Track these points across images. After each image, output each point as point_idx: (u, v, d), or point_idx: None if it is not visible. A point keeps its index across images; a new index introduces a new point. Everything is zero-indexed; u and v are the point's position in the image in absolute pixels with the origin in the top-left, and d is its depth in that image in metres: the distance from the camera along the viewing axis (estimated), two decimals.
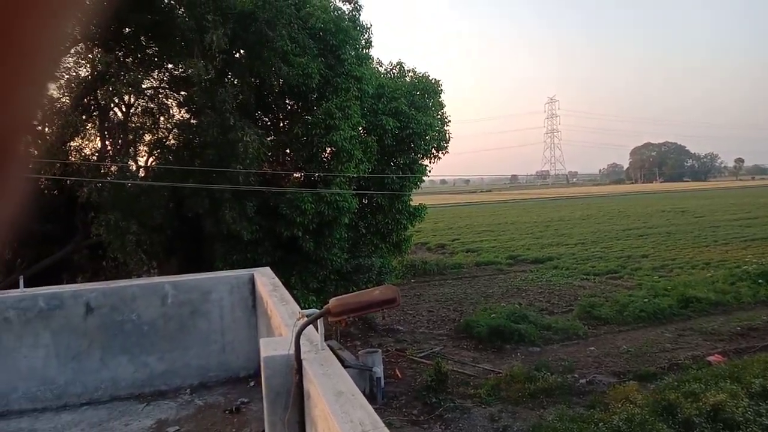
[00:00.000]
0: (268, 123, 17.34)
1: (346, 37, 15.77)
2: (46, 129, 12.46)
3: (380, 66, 20.73)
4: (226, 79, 14.41)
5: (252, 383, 5.11)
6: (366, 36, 17.45)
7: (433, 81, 20.07)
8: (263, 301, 4.73)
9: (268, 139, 15.42)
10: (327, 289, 17.01)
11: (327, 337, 3.32)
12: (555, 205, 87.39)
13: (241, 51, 14.85)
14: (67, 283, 13.83)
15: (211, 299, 5.25)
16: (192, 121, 15.03)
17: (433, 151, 20.06)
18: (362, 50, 17.24)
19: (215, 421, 4.34)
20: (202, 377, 5.15)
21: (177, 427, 4.25)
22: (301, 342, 2.63)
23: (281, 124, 17.50)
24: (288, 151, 16.99)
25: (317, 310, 2.78)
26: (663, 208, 70.39)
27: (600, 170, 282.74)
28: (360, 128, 16.80)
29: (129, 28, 13.33)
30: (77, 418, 4.54)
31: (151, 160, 16.11)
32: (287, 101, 16.73)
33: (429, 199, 27.01)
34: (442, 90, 20.29)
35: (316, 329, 2.97)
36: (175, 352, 5.10)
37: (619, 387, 14.69)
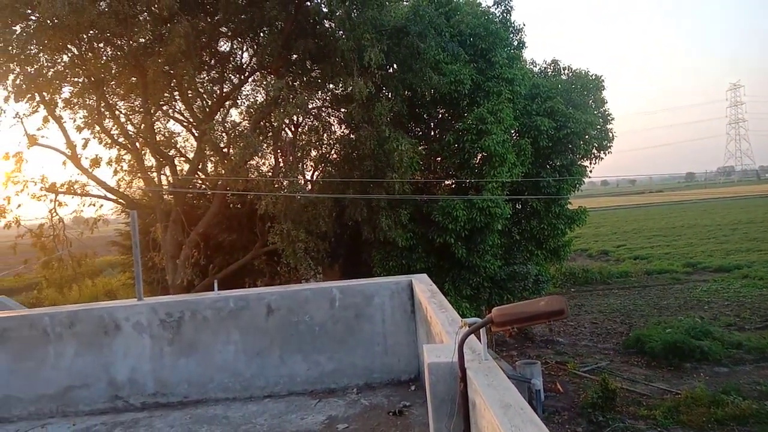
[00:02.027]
0: (420, 132, 17.75)
1: (497, 39, 15.54)
2: (231, 150, 14.24)
3: (534, 66, 20.05)
4: (381, 94, 15.09)
5: (413, 387, 5.25)
6: (518, 37, 17.02)
7: (593, 77, 18.85)
8: (422, 307, 4.84)
9: (420, 148, 15.79)
10: (480, 297, 16.82)
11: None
12: (742, 204, 75.76)
13: (394, 65, 15.45)
14: (249, 285, 15.59)
15: (373, 303, 5.51)
16: (351, 135, 16.00)
17: (594, 151, 18.82)
18: (514, 51, 16.83)
19: (380, 421, 4.54)
20: (367, 378, 5.42)
21: (346, 425, 4.53)
22: (464, 351, 2.64)
23: (432, 133, 17.79)
24: (439, 158, 17.20)
25: (478, 319, 2.77)
26: None
27: None
28: (513, 131, 16.40)
29: (296, 54, 14.67)
30: (261, 409, 5.08)
31: (316, 173, 17.51)
32: (438, 109, 16.97)
33: (589, 203, 25.25)
34: (603, 86, 18.96)
35: (478, 338, 2.96)
36: (343, 352, 5.45)
37: None
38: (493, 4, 16.80)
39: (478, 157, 15.73)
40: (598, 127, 18.82)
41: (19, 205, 13.58)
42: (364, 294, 5.53)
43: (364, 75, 12.92)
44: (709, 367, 17.46)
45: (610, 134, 19.08)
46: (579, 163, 18.56)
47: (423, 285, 5.33)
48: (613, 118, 19.23)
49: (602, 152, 19.11)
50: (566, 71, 19.86)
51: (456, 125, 15.47)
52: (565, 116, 17.05)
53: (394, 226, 14.32)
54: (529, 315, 2.52)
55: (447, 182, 17.36)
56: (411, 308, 5.51)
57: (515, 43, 17.21)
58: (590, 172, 19.03)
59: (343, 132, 17.26)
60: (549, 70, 20.30)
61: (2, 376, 5.20)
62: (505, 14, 16.73)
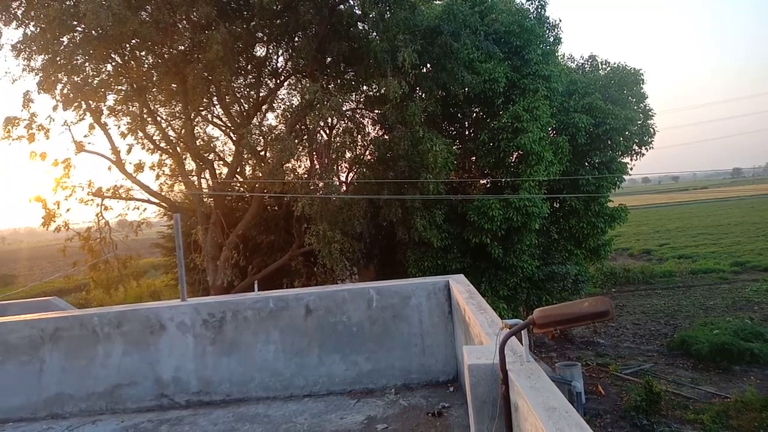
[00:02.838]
0: (454, 132, 17.63)
1: (531, 36, 15.31)
2: (268, 153, 14.48)
3: (571, 62, 19.66)
4: (415, 94, 15.06)
5: (451, 388, 5.22)
6: (554, 33, 16.72)
7: (631, 70, 18.34)
8: (460, 308, 4.81)
9: (455, 147, 15.68)
10: (518, 297, 16.58)
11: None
12: None
13: (428, 65, 15.40)
14: (287, 286, 15.81)
15: (410, 304, 5.50)
16: (385, 136, 16.03)
17: (635, 147, 18.33)
18: (549, 48, 16.54)
19: (419, 422, 4.53)
20: (405, 379, 5.42)
21: (385, 425, 4.54)
22: (505, 352, 2.61)
23: (467, 132, 17.65)
24: (474, 158, 17.05)
25: (519, 321, 2.73)
26: None
27: None
28: (550, 129, 16.11)
29: (330, 57, 14.81)
30: (301, 408, 5.14)
31: (351, 175, 17.62)
32: (473, 108, 16.82)
33: (630, 200, 24.54)
34: (643, 80, 18.43)
35: (519, 340, 2.92)
36: (380, 353, 5.46)
37: None
38: (527, 1, 16.57)
39: (514, 156, 15.52)
40: (639, 122, 18.30)
41: (68, 210, 14.16)
42: (400, 295, 5.53)
43: (397, 76, 12.93)
44: (760, 370, 16.74)
45: (651, 129, 18.53)
46: (619, 160, 18.09)
47: (460, 286, 5.30)
48: (654, 113, 18.67)
49: (643, 148, 18.58)
50: (604, 66, 19.38)
51: (491, 124, 15.31)
52: (603, 112, 16.65)
53: (428, 226, 14.27)
54: (572, 316, 2.47)
55: (482, 181, 17.19)
56: (448, 309, 5.48)
57: (551, 39, 16.91)
58: (631, 169, 18.52)
59: (377, 133, 17.32)
60: (586, 65, 19.88)
61: (55, 373, 5.44)
62: (539, 10, 16.47)
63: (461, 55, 14.06)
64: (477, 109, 16.90)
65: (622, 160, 18.26)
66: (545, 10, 16.54)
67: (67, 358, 5.45)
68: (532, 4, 16.46)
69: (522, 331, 2.68)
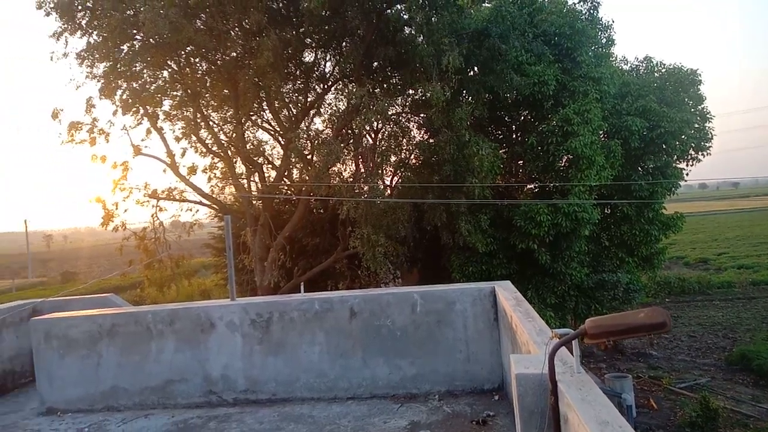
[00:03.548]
0: (501, 135, 17.36)
1: (583, 38, 14.92)
2: (314, 157, 14.69)
3: (624, 63, 19.04)
4: (461, 98, 14.94)
5: (496, 397, 5.13)
6: (607, 34, 16.25)
7: (688, 72, 17.59)
8: (506, 315, 4.72)
9: (501, 151, 15.44)
10: (566, 306, 16.14)
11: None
12: None
13: (475, 68, 15.25)
14: (331, 288, 15.98)
15: (455, 310, 5.45)
16: (430, 140, 15.96)
17: (691, 151, 17.55)
18: (602, 49, 16.08)
19: (463, 430, 4.47)
20: (449, 385, 5.37)
21: (429, 431, 4.51)
22: (554, 362, 2.54)
23: (514, 136, 17.36)
24: (521, 162, 16.74)
25: (570, 330, 2.65)
26: None
27: None
28: (601, 132, 15.64)
29: (377, 62, 14.90)
30: (345, 410, 5.17)
31: (395, 178, 17.65)
32: (521, 111, 16.54)
33: (686, 207, 23.47)
34: (700, 81, 17.63)
35: (569, 350, 2.84)
36: (424, 358, 5.43)
37: None
38: (579, 2, 16.16)
39: (564, 160, 15.14)
40: (696, 125, 17.52)
41: (125, 210, 14.78)
42: (445, 300, 5.48)
43: (442, 79, 12.87)
44: None
45: (709, 133, 17.70)
46: (674, 164, 17.35)
47: (507, 292, 5.20)
48: (712, 116, 17.82)
49: (700, 153, 17.76)
50: (660, 67, 18.66)
51: (540, 127, 15.00)
52: (658, 115, 16.03)
53: (473, 231, 14.10)
54: (626, 327, 2.38)
55: (529, 186, 16.85)
56: (494, 316, 5.39)
57: (603, 40, 16.44)
58: (687, 174, 17.73)
59: (422, 137, 17.28)
60: (641, 67, 19.19)
61: (112, 368, 5.68)
62: (591, 11, 16.03)
63: (509, 57, 13.85)
64: (525, 112, 16.59)
65: (678, 165, 17.51)
66: (598, 11, 16.10)
67: (123, 353, 5.68)
68: (584, 5, 16.05)
69: (572, 341, 2.60)
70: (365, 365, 5.48)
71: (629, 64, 19.48)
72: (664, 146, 16.83)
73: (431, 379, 5.40)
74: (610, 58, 16.93)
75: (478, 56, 14.17)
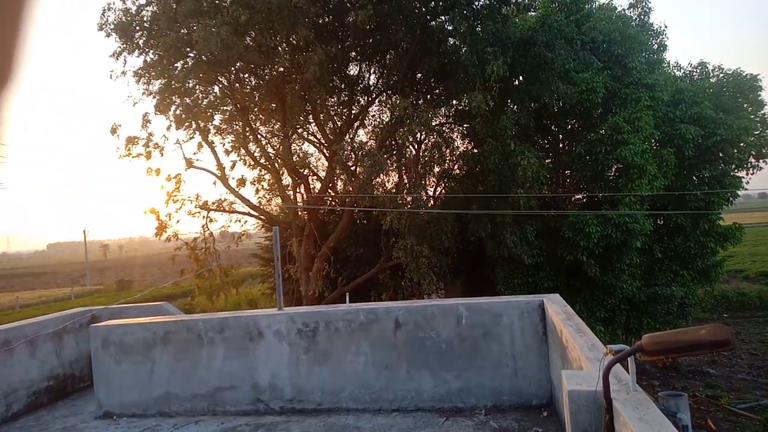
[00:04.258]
0: (547, 145, 17.05)
1: (634, 44, 14.53)
2: (359, 169, 14.84)
3: (677, 69, 18.40)
4: (506, 107, 14.79)
5: (545, 413, 4.99)
6: (659, 40, 15.77)
7: (747, 77, 16.82)
8: (556, 330, 4.60)
9: (548, 161, 15.15)
10: (617, 320, 15.58)
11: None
12: None
13: (520, 77, 15.08)
14: (374, 298, 16.01)
15: (502, 323, 5.35)
16: (474, 150, 15.84)
17: (751, 159, 16.71)
18: (653, 55, 15.60)
19: None
20: (496, 400, 5.26)
21: None
22: (609, 379, 2.46)
23: (561, 145, 17.01)
24: (568, 171, 16.36)
25: (625, 346, 2.56)
26: None
27: None
28: (653, 140, 15.13)
29: (420, 73, 14.96)
30: (389, 422, 5.15)
31: (438, 189, 17.59)
32: (568, 120, 16.21)
33: (746, 218, 22.27)
34: (760, 86, 16.83)
35: (624, 367, 2.74)
36: (470, 371, 5.35)
37: None
38: (629, 7, 15.77)
39: (613, 169, 14.72)
40: (756, 132, 16.67)
41: (178, 221, 15.32)
42: (491, 312, 5.40)
43: (485, 89, 12.79)
44: None
45: None
46: (732, 173, 16.55)
47: (556, 306, 5.08)
48: None
49: (761, 161, 16.88)
50: (716, 72, 17.92)
51: (588, 136, 14.65)
52: (714, 122, 15.36)
53: (519, 242, 13.85)
54: (687, 345, 2.28)
55: (577, 196, 16.43)
56: (543, 330, 5.27)
57: (654, 46, 15.96)
58: (746, 183, 16.87)
59: (466, 147, 17.18)
60: (695, 73, 18.49)
61: (164, 374, 5.87)
62: (642, 17, 15.61)
63: (556, 65, 13.64)
64: (572, 121, 16.25)
65: (736, 174, 16.69)
66: (649, 17, 15.67)
67: (175, 360, 5.86)
68: (634, 11, 15.64)
69: (629, 358, 2.51)
70: (410, 377, 5.45)
71: (682, 70, 18.82)
72: (720, 154, 16.10)
73: (477, 393, 5.32)
74: (662, 64, 16.39)
75: (523, 65, 14.01)
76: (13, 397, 6.07)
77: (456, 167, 17.17)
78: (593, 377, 2.64)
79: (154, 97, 14.42)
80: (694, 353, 2.39)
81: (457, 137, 17.57)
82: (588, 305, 14.79)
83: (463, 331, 5.41)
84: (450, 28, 14.21)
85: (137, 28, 13.87)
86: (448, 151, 17.12)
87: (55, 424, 5.82)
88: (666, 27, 16.05)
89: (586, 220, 13.66)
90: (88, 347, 6.35)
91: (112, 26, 13.99)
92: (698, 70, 18.45)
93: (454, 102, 16.08)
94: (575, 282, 15.05)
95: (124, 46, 14.14)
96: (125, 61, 14.29)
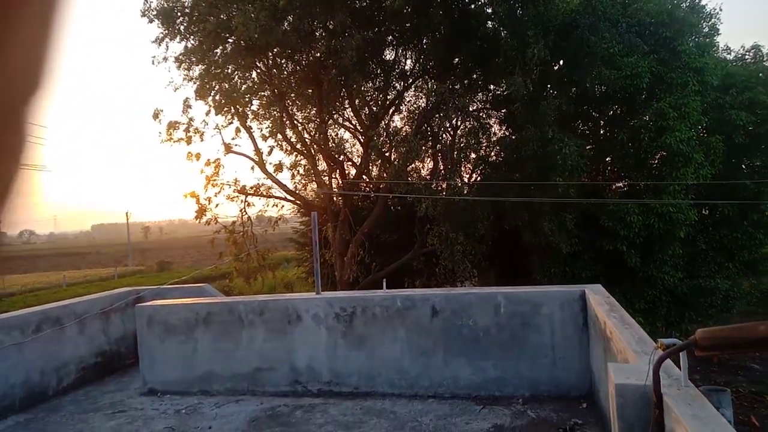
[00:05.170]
0: (587, 131, 16.59)
1: (684, 26, 13.91)
2: (393, 155, 14.79)
3: (728, 53, 17.58)
4: (546, 93, 14.44)
5: (584, 405, 4.92)
6: (710, 23, 15.07)
7: None
8: (599, 321, 4.51)
9: (587, 148, 14.75)
10: (657, 312, 15.17)
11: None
12: None
13: (560, 62, 14.68)
14: (408, 285, 16.03)
15: (541, 313, 5.28)
16: (512, 136, 15.56)
17: None
18: (704, 39, 14.93)
19: None
20: (534, 389, 5.22)
21: None
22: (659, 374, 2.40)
23: (602, 131, 16.53)
24: (609, 159, 15.91)
25: (677, 340, 2.49)
26: None
27: None
28: (700, 127, 14.54)
29: (458, 58, 14.73)
30: (426, 408, 5.17)
31: (474, 176, 17.38)
32: (610, 106, 15.71)
33: None
34: None
35: (674, 362, 2.66)
36: (508, 360, 5.31)
37: None
38: None
39: (657, 157, 14.23)
40: None
41: (217, 205, 15.64)
42: (531, 302, 5.34)
43: (525, 73, 12.51)
44: None
45: None
46: None
47: (599, 297, 4.97)
48: None
49: None
50: None
51: (631, 122, 14.18)
52: (767, 108, 14.65)
53: (557, 230, 13.59)
54: (744, 341, 2.19)
55: (618, 184, 15.98)
56: (583, 321, 5.18)
57: (705, 29, 15.25)
58: None
59: (504, 133, 16.87)
60: (747, 56, 17.63)
61: (207, 353, 6.03)
62: None
63: (599, 49, 13.20)
64: (615, 107, 15.74)
65: None
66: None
67: (216, 340, 6.02)
68: None
69: (681, 353, 2.43)
70: (446, 365, 5.45)
71: (734, 54, 17.97)
72: None
73: (515, 383, 5.28)
74: (713, 48, 15.68)
75: (565, 49, 13.63)
76: (64, 371, 6.35)
77: (492, 154, 16.90)
78: (641, 371, 2.58)
79: (195, 83, 14.67)
80: (751, 350, 2.31)
81: (494, 123, 17.28)
82: (627, 296, 14.42)
83: (502, 320, 5.37)
84: (489, 11, 13.92)
85: (179, 14, 14.10)
86: (484, 137, 16.86)
87: (104, 398, 6.08)
88: (720, 10, 15.32)
89: (627, 209, 13.29)
90: (133, 326, 6.59)
91: (154, 12, 14.25)
92: (751, 53, 17.59)
93: (492, 87, 15.78)
94: (614, 272, 14.68)
95: (166, 31, 14.39)
96: (167, 46, 14.57)
